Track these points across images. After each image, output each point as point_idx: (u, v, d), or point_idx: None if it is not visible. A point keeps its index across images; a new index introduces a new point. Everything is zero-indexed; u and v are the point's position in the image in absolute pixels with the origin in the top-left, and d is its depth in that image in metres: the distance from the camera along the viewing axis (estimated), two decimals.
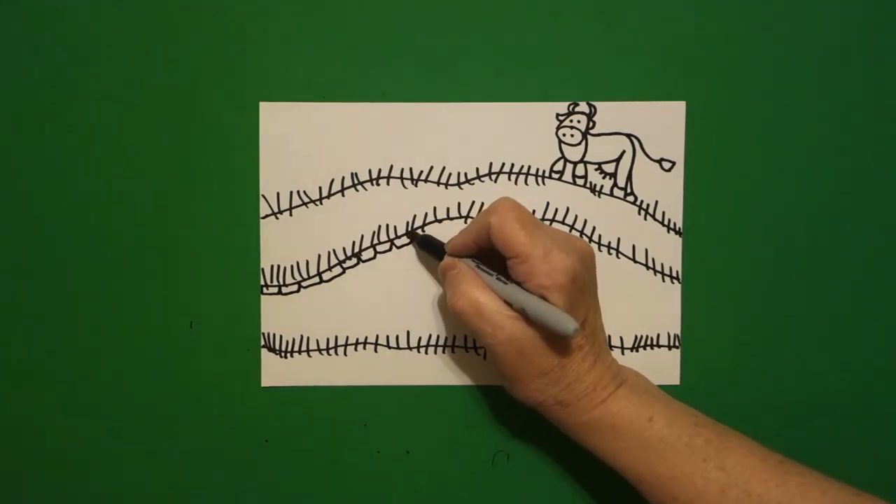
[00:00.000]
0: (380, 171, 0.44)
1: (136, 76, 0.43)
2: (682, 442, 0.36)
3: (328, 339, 0.44)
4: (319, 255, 0.44)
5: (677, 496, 0.35)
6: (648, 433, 0.36)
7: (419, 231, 0.44)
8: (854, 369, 0.44)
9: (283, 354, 0.44)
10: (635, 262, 0.44)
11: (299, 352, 0.44)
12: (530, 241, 0.36)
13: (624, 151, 0.44)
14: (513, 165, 0.44)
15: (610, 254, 0.44)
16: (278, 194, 0.44)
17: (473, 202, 0.44)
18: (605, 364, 0.38)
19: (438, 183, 0.44)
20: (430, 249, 0.42)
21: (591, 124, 0.44)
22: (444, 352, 0.44)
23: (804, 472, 0.35)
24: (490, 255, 0.39)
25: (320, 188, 0.44)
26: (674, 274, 0.44)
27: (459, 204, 0.44)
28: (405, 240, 0.44)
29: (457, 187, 0.44)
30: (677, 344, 0.44)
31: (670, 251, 0.44)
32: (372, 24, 0.43)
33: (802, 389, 0.44)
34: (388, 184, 0.44)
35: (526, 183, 0.44)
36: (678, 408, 0.38)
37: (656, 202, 0.44)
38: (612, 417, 0.37)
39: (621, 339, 0.44)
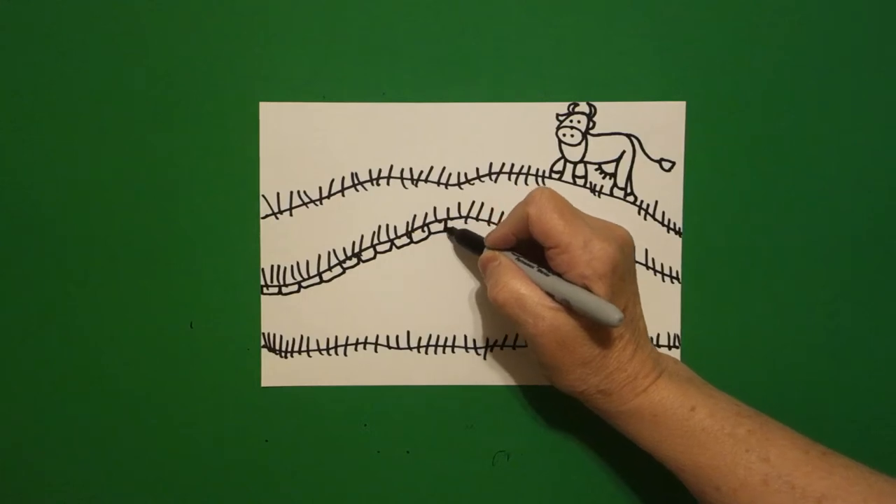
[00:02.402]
0: (380, 171, 0.44)
1: (136, 76, 0.43)
2: (725, 432, 0.36)
3: (328, 339, 0.44)
4: (319, 255, 0.44)
5: (719, 486, 0.35)
6: (691, 423, 0.36)
7: (455, 226, 0.44)
8: (855, 368, 0.44)
9: (283, 354, 0.44)
10: (635, 262, 0.44)
11: (299, 352, 0.44)
12: (569, 230, 0.36)
13: (624, 151, 0.44)
14: (513, 165, 0.44)
15: None
16: (278, 194, 0.44)
17: (473, 202, 0.44)
18: (646, 352, 0.38)
19: (438, 183, 0.44)
20: (468, 243, 0.42)
21: (591, 124, 0.44)
22: (444, 352, 0.44)
23: (849, 465, 0.35)
24: (529, 248, 0.39)
25: (320, 188, 0.44)
26: (674, 274, 0.44)
27: (459, 204, 0.44)
28: (405, 240, 0.44)
29: (457, 187, 0.44)
30: (677, 344, 0.44)
31: (670, 251, 0.44)
32: (372, 24, 0.43)
33: (803, 389, 0.44)
34: (388, 184, 0.44)
35: (526, 183, 0.44)
36: (720, 397, 0.38)
37: (656, 202, 0.44)
38: (654, 406, 0.37)
39: None
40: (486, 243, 0.41)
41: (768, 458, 0.35)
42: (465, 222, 0.44)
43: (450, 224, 0.44)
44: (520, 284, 0.37)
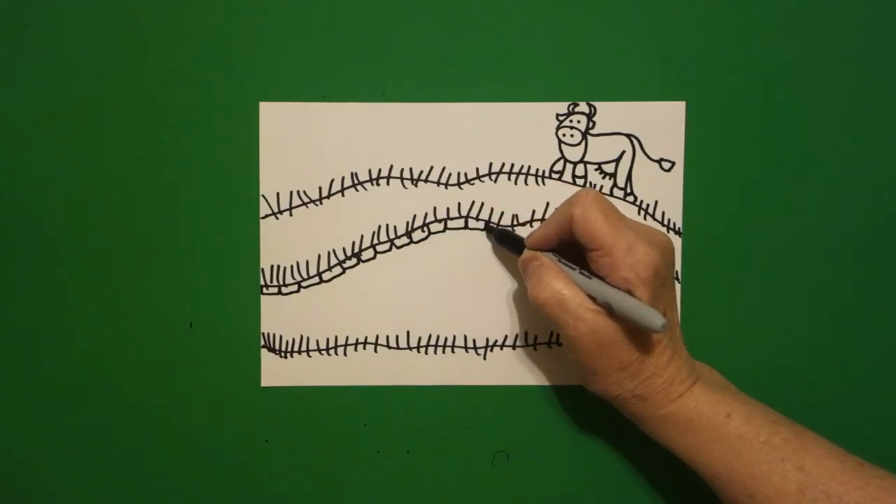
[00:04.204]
0: (380, 171, 0.44)
1: (136, 76, 0.43)
2: (761, 440, 0.35)
3: (328, 339, 0.44)
4: (319, 255, 0.44)
5: (754, 494, 0.35)
6: (726, 430, 0.36)
7: (495, 225, 0.43)
8: (855, 368, 0.44)
9: (282, 354, 0.44)
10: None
11: (299, 352, 0.44)
12: (613, 233, 0.36)
13: (624, 151, 0.44)
14: (513, 165, 0.44)
15: None
16: (278, 194, 0.44)
17: (473, 202, 0.44)
18: (682, 358, 0.38)
19: (438, 183, 0.44)
20: (508, 244, 0.42)
21: (590, 124, 0.44)
22: (444, 352, 0.44)
23: (885, 476, 0.34)
24: (569, 250, 0.39)
25: (320, 188, 0.44)
26: (673, 274, 0.44)
27: (459, 204, 0.44)
28: (405, 240, 0.44)
29: (457, 187, 0.44)
30: None
31: None
32: (372, 24, 0.43)
33: (803, 389, 0.44)
34: (388, 184, 0.44)
35: (526, 183, 0.44)
36: (756, 405, 0.37)
37: (656, 202, 0.44)
38: (689, 412, 0.37)
39: None
40: (527, 244, 0.41)
41: (804, 467, 0.35)
42: (466, 222, 0.44)
43: (490, 223, 0.44)
44: (562, 285, 0.37)
